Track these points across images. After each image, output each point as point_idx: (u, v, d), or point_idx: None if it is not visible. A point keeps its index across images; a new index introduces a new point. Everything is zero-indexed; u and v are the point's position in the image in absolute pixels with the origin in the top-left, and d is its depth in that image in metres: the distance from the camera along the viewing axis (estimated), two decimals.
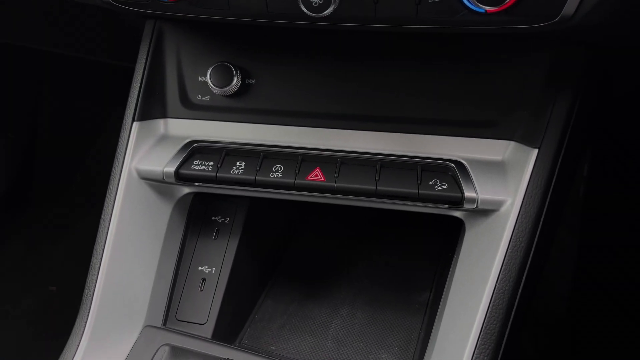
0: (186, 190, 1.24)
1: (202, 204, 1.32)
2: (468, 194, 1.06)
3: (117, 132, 1.22)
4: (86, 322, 1.11)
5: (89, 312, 1.11)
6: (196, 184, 1.18)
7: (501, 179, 1.07)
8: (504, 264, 1.03)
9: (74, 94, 2.51)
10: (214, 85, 1.17)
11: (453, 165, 1.10)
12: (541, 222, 1.05)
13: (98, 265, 1.14)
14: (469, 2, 0.90)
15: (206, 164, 1.15)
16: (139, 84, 1.21)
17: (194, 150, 1.18)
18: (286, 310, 1.42)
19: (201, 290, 1.28)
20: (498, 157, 1.10)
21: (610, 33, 1.05)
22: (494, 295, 1.03)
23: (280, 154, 1.16)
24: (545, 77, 1.07)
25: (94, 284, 1.13)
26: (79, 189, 2.45)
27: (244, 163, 1.15)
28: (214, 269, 1.29)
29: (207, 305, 1.26)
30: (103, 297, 1.13)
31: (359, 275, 1.50)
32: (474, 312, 1.03)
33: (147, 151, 1.20)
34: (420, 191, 1.08)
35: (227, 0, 0.99)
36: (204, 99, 1.21)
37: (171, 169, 1.15)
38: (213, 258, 1.30)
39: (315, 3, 0.94)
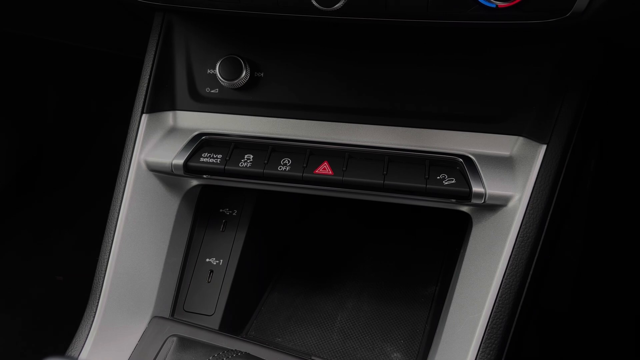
0: (194, 182, 1.25)
1: (210, 196, 1.33)
2: (476, 189, 1.06)
3: (124, 122, 1.22)
4: (95, 312, 1.12)
5: (98, 303, 1.12)
6: (204, 176, 1.19)
7: (509, 175, 1.07)
8: (511, 259, 1.04)
9: (81, 84, 2.51)
10: (223, 78, 1.17)
11: (461, 160, 1.10)
12: (549, 218, 1.05)
13: (107, 256, 1.15)
14: None
15: (215, 156, 1.16)
16: (148, 76, 1.21)
17: (202, 142, 1.19)
18: (292, 302, 1.42)
19: (209, 282, 1.29)
20: (506, 153, 1.10)
21: (621, 30, 1.05)
22: (500, 290, 1.03)
23: (288, 147, 1.16)
24: (555, 72, 1.07)
25: (103, 275, 1.14)
26: (85, 179, 2.46)
27: (252, 156, 1.15)
28: (221, 260, 1.30)
29: (214, 297, 1.27)
30: (112, 288, 1.14)
31: (365, 268, 1.51)
32: (481, 306, 1.04)
33: (156, 143, 1.20)
34: (427, 185, 1.08)
35: None
36: (212, 91, 1.21)
37: (180, 161, 1.16)
38: (221, 250, 1.30)
39: None
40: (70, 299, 1.55)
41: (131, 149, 1.19)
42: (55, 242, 2.30)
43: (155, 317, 1.18)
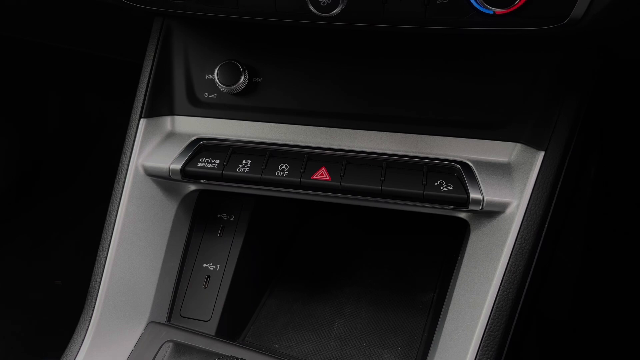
0: (192, 187, 1.25)
1: (208, 202, 1.33)
2: (473, 195, 1.06)
3: (123, 128, 1.22)
4: (91, 317, 1.11)
5: (94, 308, 1.12)
6: (202, 181, 1.19)
7: (507, 181, 1.07)
8: (508, 266, 1.03)
9: (81, 88, 2.52)
10: (221, 83, 1.17)
11: (459, 166, 1.10)
12: (546, 225, 1.05)
13: (104, 261, 1.14)
14: (478, 3, 0.90)
15: (212, 161, 1.16)
16: (146, 81, 1.21)
17: (200, 147, 1.19)
18: (290, 308, 1.42)
19: (205, 287, 1.28)
20: (504, 159, 1.10)
21: (620, 37, 1.05)
22: (498, 297, 1.03)
23: (286, 153, 1.16)
24: (554, 79, 1.07)
25: (99, 280, 1.14)
26: (84, 184, 2.46)
27: (250, 161, 1.15)
28: (218, 266, 1.30)
29: (211, 302, 1.27)
30: (108, 293, 1.13)
31: (363, 274, 1.50)
32: (478, 313, 1.03)
33: (154, 148, 1.20)
34: (425, 192, 1.08)
35: None
36: (211, 96, 1.22)
37: (177, 166, 1.16)
38: (218, 255, 1.30)
39: (324, 2, 0.94)
40: (69, 304, 1.54)
41: (129, 154, 1.19)
42: (55, 246, 2.30)
43: (151, 323, 1.18)
